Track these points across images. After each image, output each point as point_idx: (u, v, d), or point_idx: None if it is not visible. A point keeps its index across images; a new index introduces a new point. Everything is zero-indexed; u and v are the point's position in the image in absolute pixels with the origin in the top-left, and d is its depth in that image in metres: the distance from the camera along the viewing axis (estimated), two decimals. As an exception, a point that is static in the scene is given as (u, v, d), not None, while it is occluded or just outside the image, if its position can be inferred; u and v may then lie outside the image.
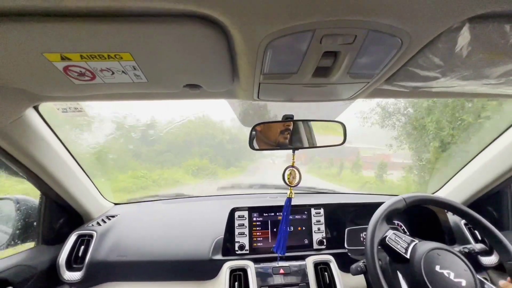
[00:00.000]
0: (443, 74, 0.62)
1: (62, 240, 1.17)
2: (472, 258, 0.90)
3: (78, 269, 1.12)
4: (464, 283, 0.75)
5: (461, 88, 0.72)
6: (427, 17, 0.44)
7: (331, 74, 0.60)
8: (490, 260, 1.15)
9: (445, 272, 0.77)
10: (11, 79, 0.63)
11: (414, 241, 0.87)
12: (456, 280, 0.76)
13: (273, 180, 1.75)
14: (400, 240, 0.86)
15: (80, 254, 1.15)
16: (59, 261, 1.10)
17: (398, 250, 0.84)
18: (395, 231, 0.89)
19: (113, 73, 0.60)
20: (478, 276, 0.78)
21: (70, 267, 1.12)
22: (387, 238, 0.87)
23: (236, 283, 1.08)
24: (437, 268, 0.78)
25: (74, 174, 1.17)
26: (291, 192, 0.99)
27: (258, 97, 0.77)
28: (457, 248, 0.91)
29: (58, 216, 1.22)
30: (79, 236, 1.19)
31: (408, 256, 0.82)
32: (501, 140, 1.20)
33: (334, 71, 0.59)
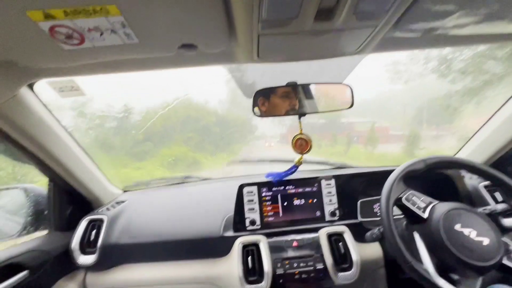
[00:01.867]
0: (461, 5, 0.56)
1: (73, 227, 1.18)
2: (493, 219, 0.85)
3: (92, 253, 1.12)
4: (486, 241, 0.71)
5: (482, 29, 0.65)
6: None
7: (335, 15, 0.55)
8: None
9: (465, 230, 0.73)
10: None
11: (433, 202, 0.82)
12: (477, 238, 0.71)
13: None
14: (418, 200, 0.82)
15: (92, 238, 1.15)
16: (72, 246, 1.11)
17: (414, 209, 0.80)
18: (413, 191, 0.85)
19: (102, 33, 0.57)
20: (505, 239, 0.75)
21: (83, 251, 1.13)
22: (403, 198, 0.83)
23: (249, 258, 1.06)
24: (457, 226, 0.74)
25: (79, 160, 1.16)
26: (299, 161, 0.95)
27: (258, 56, 0.73)
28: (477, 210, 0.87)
29: (68, 203, 1.23)
30: (90, 221, 1.19)
31: (426, 215, 0.78)
32: None
33: (338, 11, 0.54)
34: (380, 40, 0.70)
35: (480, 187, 1.22)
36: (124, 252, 1.17)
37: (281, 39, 0.64)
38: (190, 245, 1.16)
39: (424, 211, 0.79)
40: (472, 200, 1.21)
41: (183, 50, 0.67)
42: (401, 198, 0.84)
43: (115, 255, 1.16)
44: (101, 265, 1.13)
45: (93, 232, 1.16)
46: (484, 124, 1.25)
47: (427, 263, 0.72)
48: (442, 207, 0.79)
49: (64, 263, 1.10)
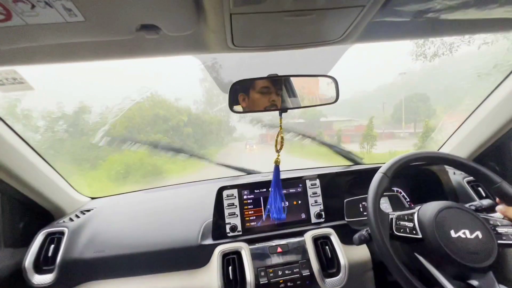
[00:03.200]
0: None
1: (29, 242, 1.03)
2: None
3: (49, 271, 0.98)
4: (480, 234, 0.70)
5: (475, 14, 0.60)
6: None
7: None
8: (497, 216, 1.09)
9: (460, 233, 0.71)
10: None
11: (414, 210, 0.79)
12: (473, 236, 0.70)
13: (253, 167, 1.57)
14: (405, 222, 0.78)
15: (50, 254, 1.01)
16: (25, 264, 0.96)
17: (409, 236, 0.76)
18: (396, 215, 0.80)
19: (33, 5, 0.45)
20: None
21: (39, 269, 0.99)
22: (394, 231, 0.78)
23: (230, 268, 0.97)
24: (452, 233, 0.71)
25: (33, 166, 1.02)
26: (277, 159, 0.89)
27: (233, 43, 0.64)
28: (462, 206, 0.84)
29: (21, 215, 1.07)
30: (48, 235, 1.05)
31: (420, 235, 0.74)
32: (499, 91, 1.12)
33: None
34: (367, 25, 0.64)
35: (464, 182, 1.20)
36: (89, 267, 1.03)
37: (257, 20, 0.56)
38: (165, 256, 1.05)
39: (415, 231, 0.75)
40: (456, 194, 1.20)
41: (143, 33, 0.57)
42: (392, 229, 0.79)
43: (78, 272, 1.02)
44: (61, 285, 0.99)
45: (51, 247, 1.02)
46: (465, 120, 1.25)
47: (445, 282, 0.68)
48: (427, 214, 0.76)
49: (15, 284, 0.95)
